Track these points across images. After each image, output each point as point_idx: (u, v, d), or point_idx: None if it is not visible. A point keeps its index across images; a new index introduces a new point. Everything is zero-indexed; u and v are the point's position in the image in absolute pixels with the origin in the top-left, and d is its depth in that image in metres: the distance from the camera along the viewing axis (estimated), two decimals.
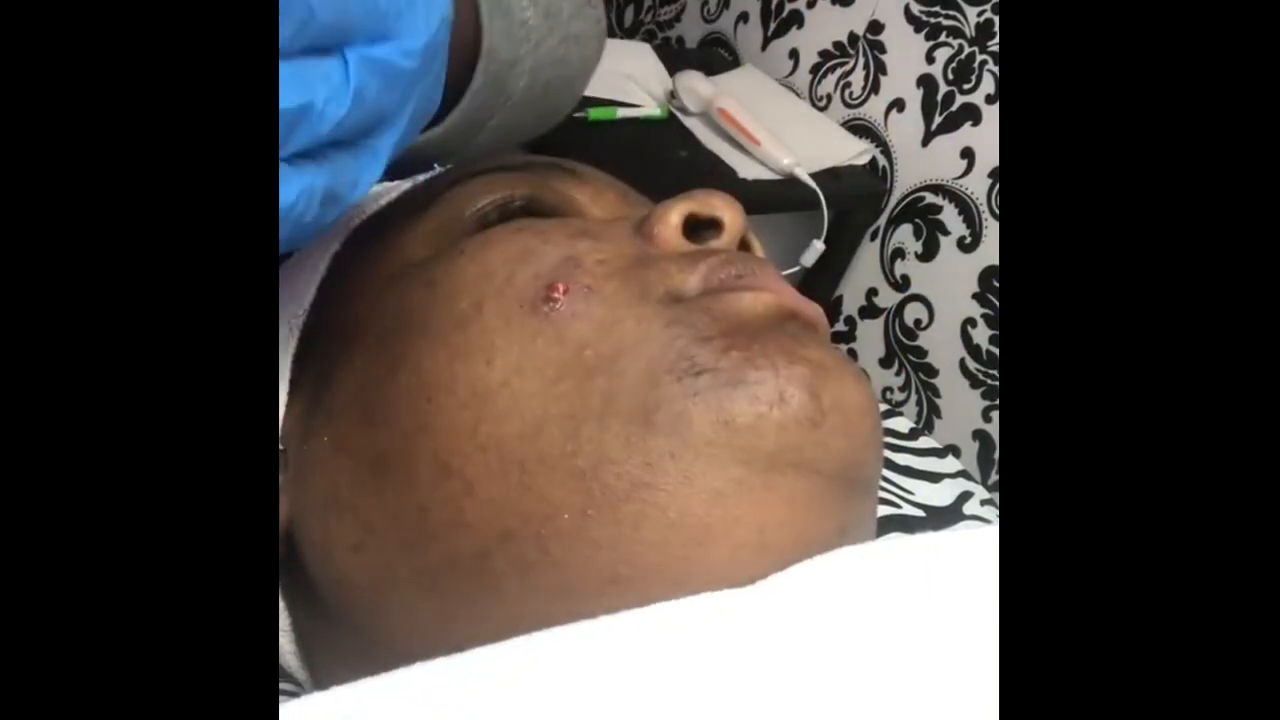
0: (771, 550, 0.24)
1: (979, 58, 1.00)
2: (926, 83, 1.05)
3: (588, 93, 0.99)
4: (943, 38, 1.03)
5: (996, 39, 0.98)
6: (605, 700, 0.20)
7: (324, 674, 0.30)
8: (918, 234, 1.09)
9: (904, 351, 1.14)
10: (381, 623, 0.27)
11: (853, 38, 1.13)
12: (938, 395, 1.10)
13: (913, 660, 0.21)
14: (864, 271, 1.16)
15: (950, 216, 1.05)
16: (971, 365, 1.06)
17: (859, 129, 1.13)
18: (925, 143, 1.06)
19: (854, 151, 1.08)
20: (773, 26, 1.24)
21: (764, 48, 1.25)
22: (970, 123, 1.02)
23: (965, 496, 0.47)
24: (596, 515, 0.23)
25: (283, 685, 0.31)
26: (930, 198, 1.07)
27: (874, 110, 1.12)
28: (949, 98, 1.03)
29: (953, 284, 1.06)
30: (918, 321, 1.11)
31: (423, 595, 0.25)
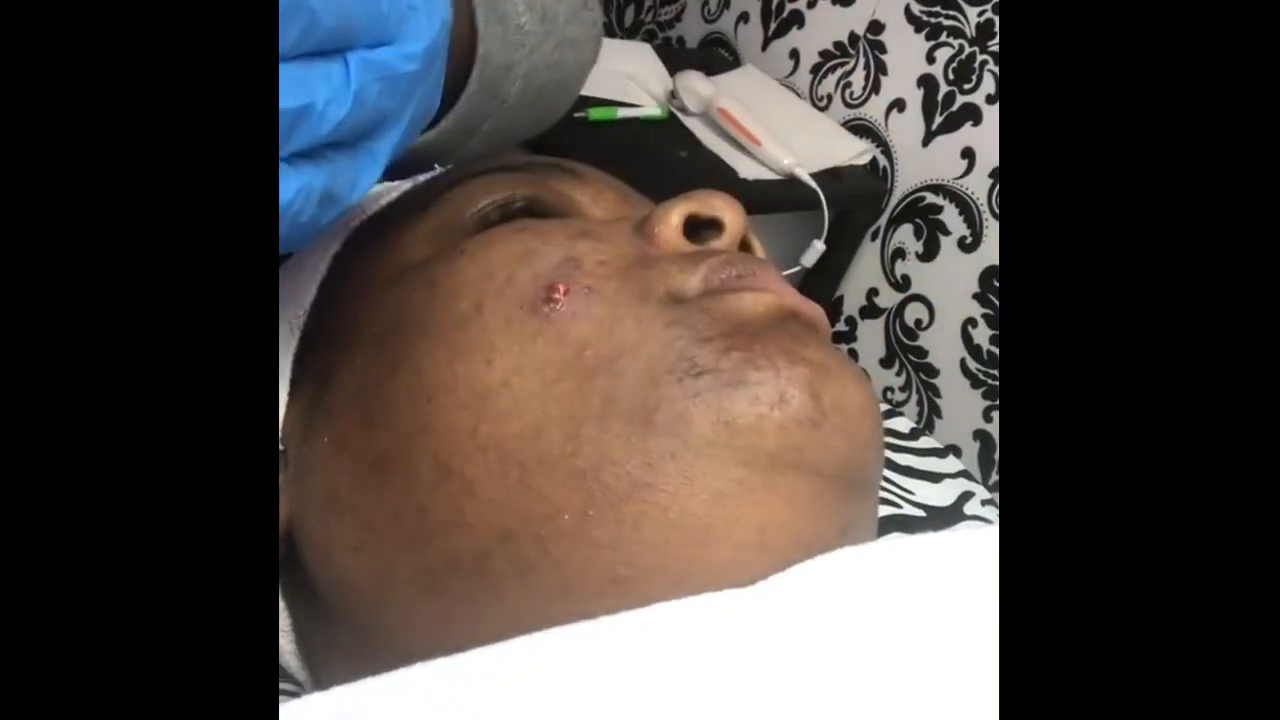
0: (772, 551, 0.24)
1: (979, 58, 1.00)
2: (927, 83, 1.05)
3: (589, 93, 0.99)
4: (943, 38, 1.03)
5: (997, 39, 0.98)
6: (606, 700, 0.20)
7: (324, 674, 0.30)
8: (918, 234, 1.09)
9: (904, 351, 1.13)
10: (381, 623, 0.27)
11: (853, 38, 1.13)
12: (938, 395, 1.10)
13: (913, 660, 0.21)
14: (864, 271, 1.16)
15: (951, 216, 1.05)
16: (972, 365, 1.06)
17: (859, 129, 1.13)
18: (926, 143, 1.06)
19: (854, 151, 1.08)
20: (773, 26, 1.23)
21: (764, 48, 1.25)
22: (971, 123, 1.02)
23: (966, 497, 0.47)
24: (597, 515, 0.23)
25: (283, 685, 0.31)
26: (931, 198, 1.07)
27: (874, 110, 1.12)
28: (949, 98, 1.03)
29: (953, 284, 1.06)
30: (918, 321, 1.11)
31: (423, 595, 0.25)
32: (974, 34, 1.00)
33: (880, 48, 1.10)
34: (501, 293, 0.26)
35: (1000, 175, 0.97)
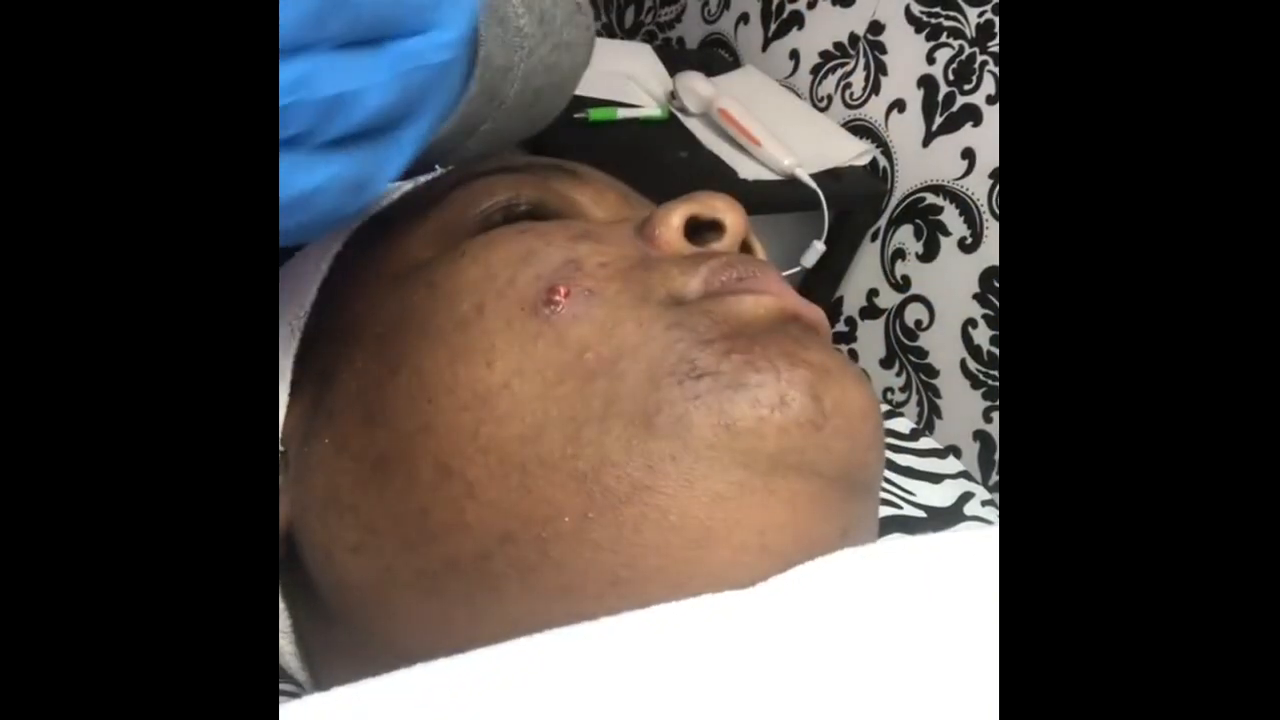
0: (773, 552, 0.24)
1: (979, 58, 1.00)
2: (927, 83, 1.05)
3: (589, 93, 0.99)
4: (943, 38, 1.03)
5: (997, 39, 0.98)
6: (607, 701, 0.20)
7: (324, 675, 0.30)
8: (918, 234, 1.09)
9: (905, 352, 1.13)
10: (382, 624, 0.27)
11: (853, 38, 1.13)
12: (938, 396, 1.10)
13: (913, 661, 0.21)
14: (865, 272, 1.16)
15: (951, 217, 1.05)
16: (972, 366, 1.06)
17: (859, 129, 1.13)
18: (926, 143, 1.06)
19: (854, 152, 1.08)
20: (773, 27, 1.24)
21: (764, 48, 1.25)
22: (971, 123, 1.02)
23: (966, 497, 0.47)
24: (597, 517, 0.23)
25: (283, 686, 0.31)
26: (931, 198, 1.07)
27: (874, 111, 1.12)
28: (949, 98, 1.03)
29: (953, 284, 1.06)
30: (918, 322, 1.11)
31: (423, 596, 0.25)
32: (974, 34, 1.00)
33: (880, 48, 1.10)
34: (503, 294, 0.26)
35: (1000, 176, 0.97)
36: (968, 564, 0.24)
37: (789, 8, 1.21)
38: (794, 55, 1.21)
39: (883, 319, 1.15)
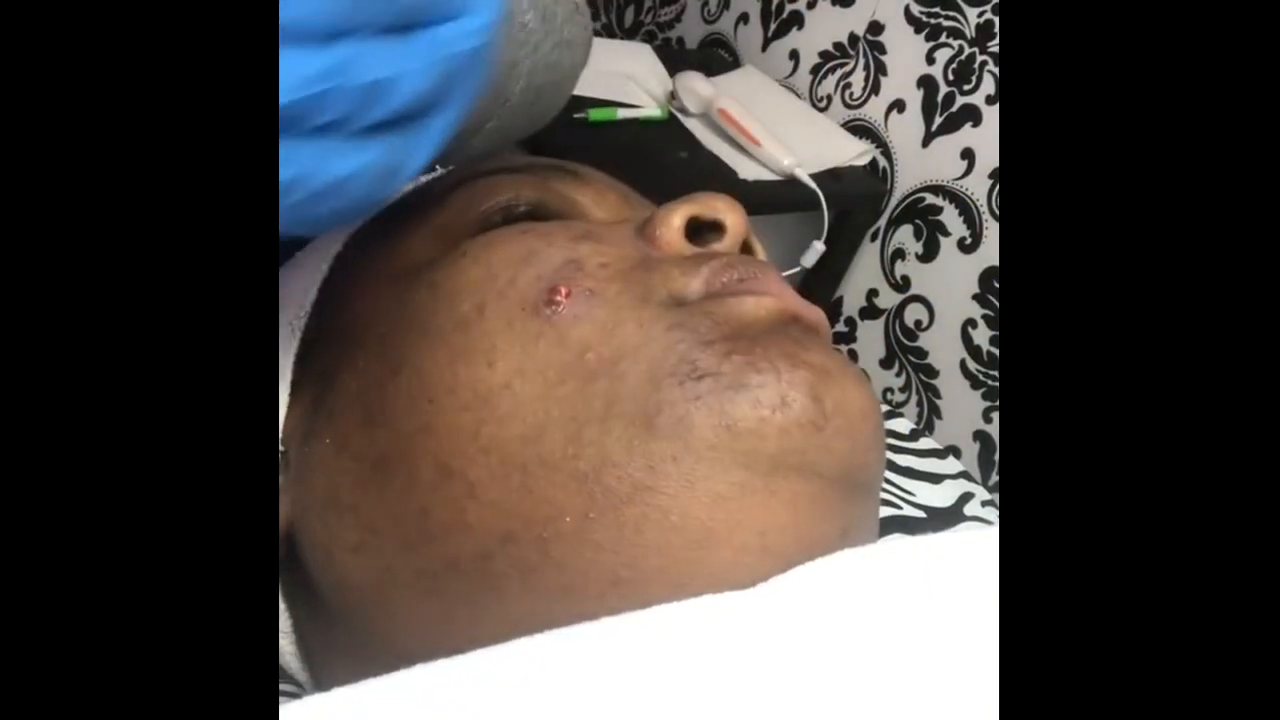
0: (773, 553, 0.24)
1: (979, 58, 1.00)
2: (927, 83, 1.05)
3: (589, 93, 0.99)
4: (943, 38, 1.03)
5: (997, 40, 0.98)
6: (607, 701, 0.20)
7: (325, 675, 0.30)
8: (918, 235, 1.09)
9: (904, 352, 1.14)
10: (382, 624, 0.27)
11: (853, 38, 1.13)
12: (938, 396, 1.10)
13: (914, 661, 0.21)
14: (864, 272, 1.16)
15: (950, 217, 1.05)
16: (972, 366, 1.06)
17: (859, 130, 1.13)
18: (925, 143, 1.06)
19: (854, 152, 1.08)
20: (773, 27, 1.24)
21: (764, 48, 1.25)
22: (970, 123, 1.02)
23: (966, 497, 0.47)
24: (598, 518, 0.23)
25: (283, 686, 0.31)
26: (930, 198, 1.07)
27: (874, 111, 1.12)
28: (949, 98, 1.03)
29: (953, 285, 1.06)
30: (918, 322, 1.11)
31: (424, 596, 0.25)
32: (974, 35, 1.00)
33: (880, 48, 1.10)
34: (504, 294, 0.26)
35: (1000, 176, 0.98)
36: (968, 564, 0.24)
37: (789, 8, 1.21)
38: (794, 55, 1.21)
39: (882, 319, 1.15)
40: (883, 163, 1.11)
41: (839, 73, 1.15)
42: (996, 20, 0.98)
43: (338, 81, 0.21)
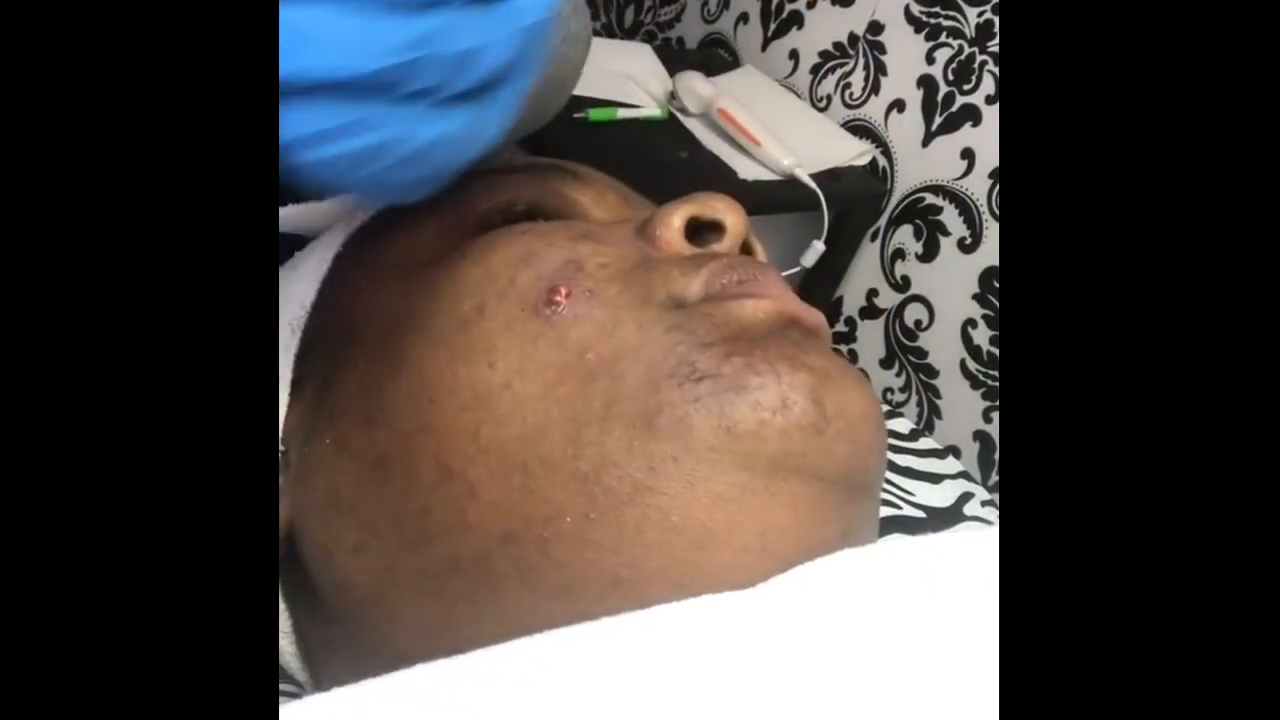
0: (773, 554, 0.24)
1: (979, 58, 1.00)
2: (927, 83, 1.05)
3: (589, 93, 0.99)
4: (943, 38, 1.03)
5: (997, 39, 0.98)
6: (607, 701, 0.20)
7: (325, 675, 0.30)
8: (918, 235, 1.09)
9: (904, 352, 1.13)
10: (382, 624, 0.27)
11: (853, 38, 1.13)
12: (938, 396, 1.10)
13: (913, 661, 0.21)
14: (864, 272, 1.16)
15: (950, 217, 1.05)
16: (972, 366, 1.06)
17: (859, 130, 1.13)
18: (925, 143, 1.06)
19: (854, 152, 1.08)
20: (773, 27, 1.23)
21: (764, 48, 1.25)
22: (970, 123, 1.02)
23: (966, 497, 0.47)
24: (598, 518, 0.23)
25: (283, 686, 0.31)
26: (930, 198, 1.07)
27: (874, 111, 1.12)
28: (949, 98, 1.03)
29: (953, 284, 1.06)
30: (918, 322, 1.11)
31: (424, 596, 0.25)
32: (974, 34, 1.00)
33: (880, 48, 1.10)
34: (503, 294, 0.26)
35: (1000, 176, 0.97)
36: (968, 564, 0.24)
37: (788, 7, 1.21)
38: (793, 55, 1.21)
39: (882, 319, 1.15)
40: (883, 162, 1.11)
41: (839, 72, 1.15)
42: (996, 20, 0.98)
43: (432, 49, 0.21)
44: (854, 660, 0.21)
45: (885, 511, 0.43)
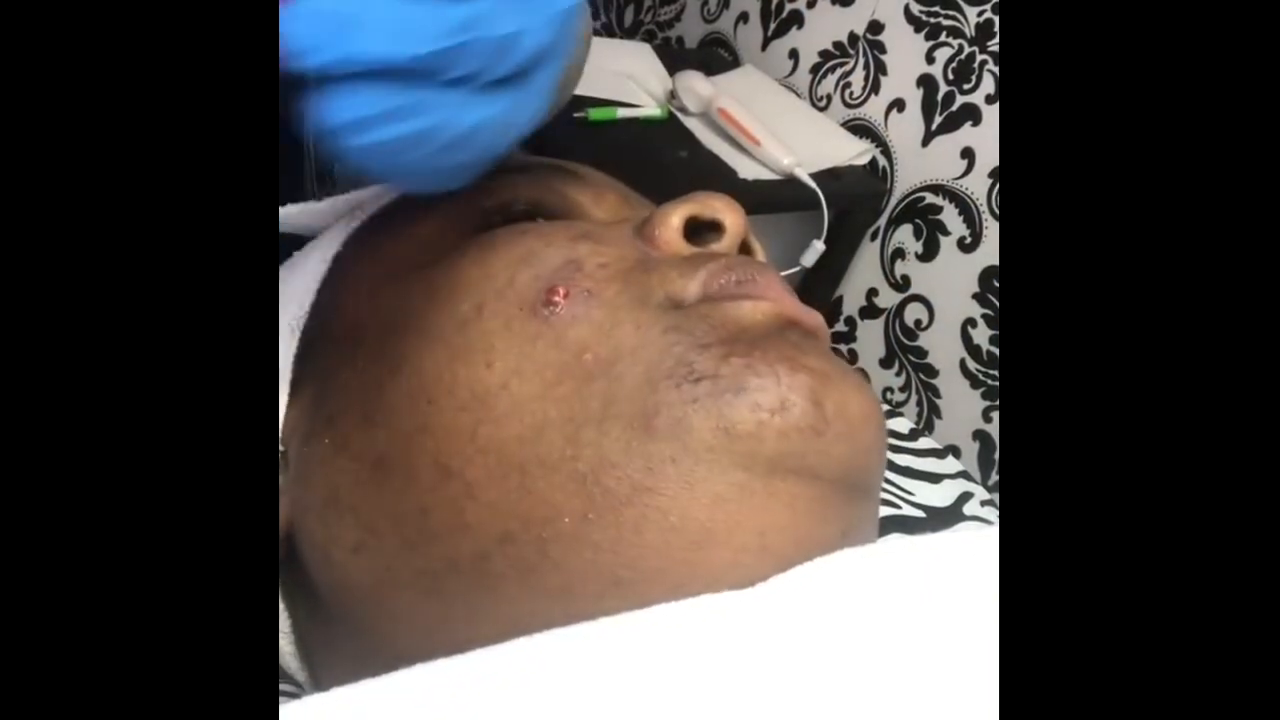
0: (773, 554, 0.24)
1: (979, 58, 1.00)
2: (926, 83, 1.05)
3: (589, 93, 0.99)
4: (943, 38, 1.03)
5: (997, 39, 0.98)
6: (605, 701, 0.20)
7: (324, 675, 0.30)
8: (918, 234, 1.09)
9: (904, 352, 1.13)
10: (382, 624, 0.26)
11: (853, 38, 1.13)
12: (938, 395, 1.10)
13: (913, 661, 0.21)
14: (864, 272, 1.16)
15: (950, 216, 1.05)
16: (972, 365, 1.06)
17: (859, 129, 1.13)
18: (925, 143, 1.06)
19: (854, 151, 1.08)
20: (773, 26, 1.23)
21: (764, 48, 1.25)
22: (970, 123, 1.02)
23: (965, 497, 0.47)
24: (597, 519, 0.23)
25: (282, 686, 0.31)
26: (930, 198, 1.07)
27: (874, 110, 1.12)
28: (949, 98, 1.03)
29: (953, 284, 1.06)
30: (918, 322, 1.11)
31: (423, 596, 0.25)
32: (974, 34, 1.00)
33: (880, 48, 1.10)
34: (502, 294, 0.26)
35: (1000, 175, 0.97)
36: (967, 564, 0.24)
37: (788, 7, 1.21)
38: (793, 55, 1.21)
39: (882, 319, 1.15)
40: (882, 162, 1.11)
41: (839, 72, 1.15)
42: (996, 19, 0.98)
43: (476, 34, 0.22)
44: (853, 660, 0.21)
45: (885, 511, 0.43)
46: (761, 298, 0.26)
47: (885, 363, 1.16)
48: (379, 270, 0.30)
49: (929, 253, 1.08)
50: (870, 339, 1.17)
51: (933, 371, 1.10)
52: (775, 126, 1.01)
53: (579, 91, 0.44)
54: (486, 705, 0.19)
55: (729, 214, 0.29)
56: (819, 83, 1.18)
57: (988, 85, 1.00)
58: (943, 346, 1.08)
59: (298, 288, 0.32)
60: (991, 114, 1.00)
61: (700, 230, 0.29)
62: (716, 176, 0.94)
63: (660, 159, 0.96)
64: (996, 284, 1.01)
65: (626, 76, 1.07)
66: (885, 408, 0.49)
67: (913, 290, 1.11)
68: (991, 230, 1.01)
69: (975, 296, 1.04)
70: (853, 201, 1.06)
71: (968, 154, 1.02)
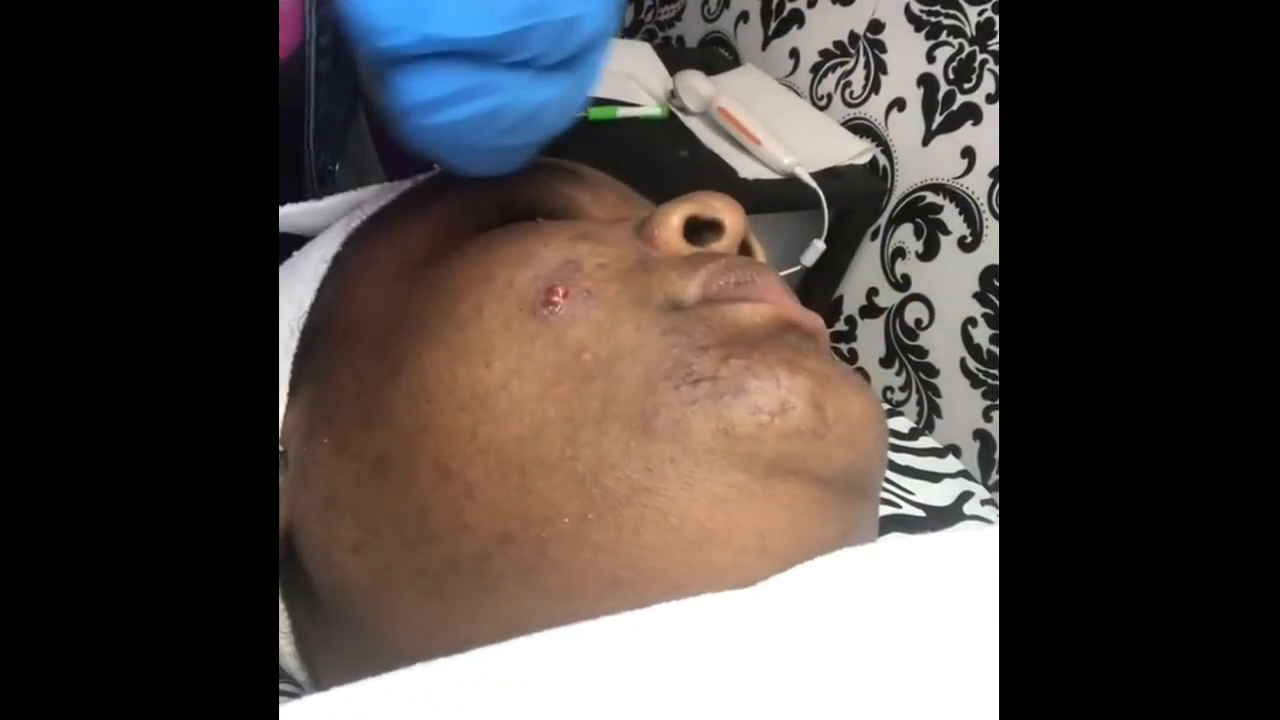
0: (773, 554, 0.24)
1: (979, 57, 1.00)
2: (927, 82, 1.05)
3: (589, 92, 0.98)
4: (943, 37, 1.03)
5: (997, 38, 0.98)
6: (604, 701, 0.20)
7: (324, 675, 0.30)
8: (918, 233, 1.09)
9: (904, 351, 1.13)
10: (381, 624, 0.26)
11: (853, 37, 1.13)
12: (938, 395, 1.10)
13: (913, 661, 0.21)
14: (864, 271, 1.16)
15: (951, 216, 1.05)
16: (972, 365, 1.06)
17: (859, 128, 1.13)
18: (926, 142, 1.06)
19: (854, 151, 1.08)
20: (773, 26, 1.23)
21: (764, 47, 1.25)
22: (971, 122, 1.02)
23: (965, 496, 0.47)
24: (596, 519, 0.23)
25: (282, 686, 0.31)
26: (931, 197, 1.07)
27: (874, 109, 1.12)
28: (949, 97, 1.03)
29: (953, 283, 1.06)
30: (918, 321, 1.11)
31: (423, 596, 0.25)
32: (974, 33, 1.00)
33: (880, 47, 1.10)
34: (501, 295, 0.26)
35: (1000, 175, 0.97)
36: (967, 564, 0.24)
37: (789, 6, 1.21)
38: (794, 54, 1.21)
39: (882, 318, 1.15)
40: (883, 161, 1.11)
41: (839, 71, 1.15)
42: (996, 19, 0.98)
43: (541, 17, 0.23)
44: (853, 660, 0.21)
45: (885, 510, 0.43)
46: (760, 300, 0.26)
47: (885, 362, 1.16)
48: (379, 270, 0.30)
49: (929, 252, 1.08)
50: (870, 338, 1.17)
51: (933, 371, 1.10)
52: (775, 126, 1.01)
53: None
54: (486, 705, 0.19)
55: (729, 213, 0.29)
56: (819, 82, 1.18)
57: (988, 84, 1.00)
58: (943, 346, 1.08)
59: (297, 288, 0.32)
60: (992, 113, 1.00)
61: (700, 230, 0.29)
62: (717, 176, 0.94)
63: (660, 158, 0.96)
64: (997, 283, 1.01)
65: (627, 76, 1.07)
66: (885, 407, 0.49)
67: (913, 289, 1.11)
68: (992, 229, 1.01)
69: (976, 296, 1.04)
70: (853, 201, 1.06)
71: (968, 153, 1.02)
